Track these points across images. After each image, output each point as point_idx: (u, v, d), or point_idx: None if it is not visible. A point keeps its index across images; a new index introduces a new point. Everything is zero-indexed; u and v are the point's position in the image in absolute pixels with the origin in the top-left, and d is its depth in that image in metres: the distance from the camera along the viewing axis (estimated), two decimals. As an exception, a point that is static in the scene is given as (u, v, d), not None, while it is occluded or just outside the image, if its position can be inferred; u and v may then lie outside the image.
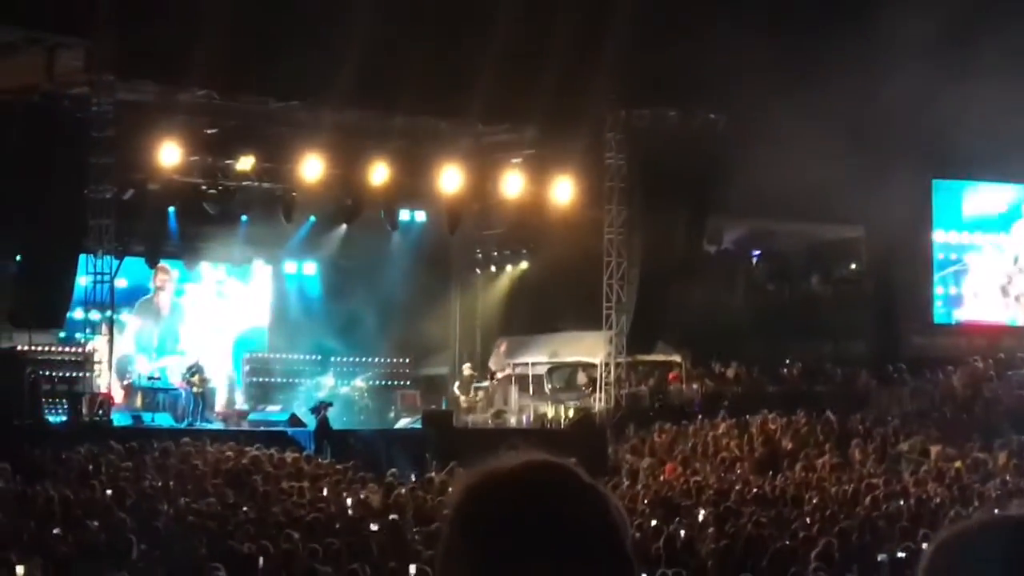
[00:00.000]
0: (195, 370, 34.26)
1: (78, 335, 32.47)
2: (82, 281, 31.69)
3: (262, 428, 32.86)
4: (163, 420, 32.88)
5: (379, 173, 35.36)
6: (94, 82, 30.93)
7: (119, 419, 31.45)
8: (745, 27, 32.74)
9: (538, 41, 32.16)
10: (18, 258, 32.17)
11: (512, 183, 36.70)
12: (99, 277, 31.47)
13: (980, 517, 2.42)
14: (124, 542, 17.04)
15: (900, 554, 17.92)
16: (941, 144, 37.33)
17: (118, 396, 33.29)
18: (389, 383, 39.62)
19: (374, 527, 20.03)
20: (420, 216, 38.93)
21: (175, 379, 35.12)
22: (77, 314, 32.34)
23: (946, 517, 21.29)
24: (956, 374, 36.37)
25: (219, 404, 36.18)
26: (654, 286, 36.22)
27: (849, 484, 26.45)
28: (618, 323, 36.15)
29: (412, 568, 15.78)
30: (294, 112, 34.22)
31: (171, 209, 35.27)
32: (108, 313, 31.84)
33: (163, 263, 37.27)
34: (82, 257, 31.58)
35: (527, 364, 37.83)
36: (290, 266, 39.94)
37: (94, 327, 31.65)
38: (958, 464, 28.54)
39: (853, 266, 43.09)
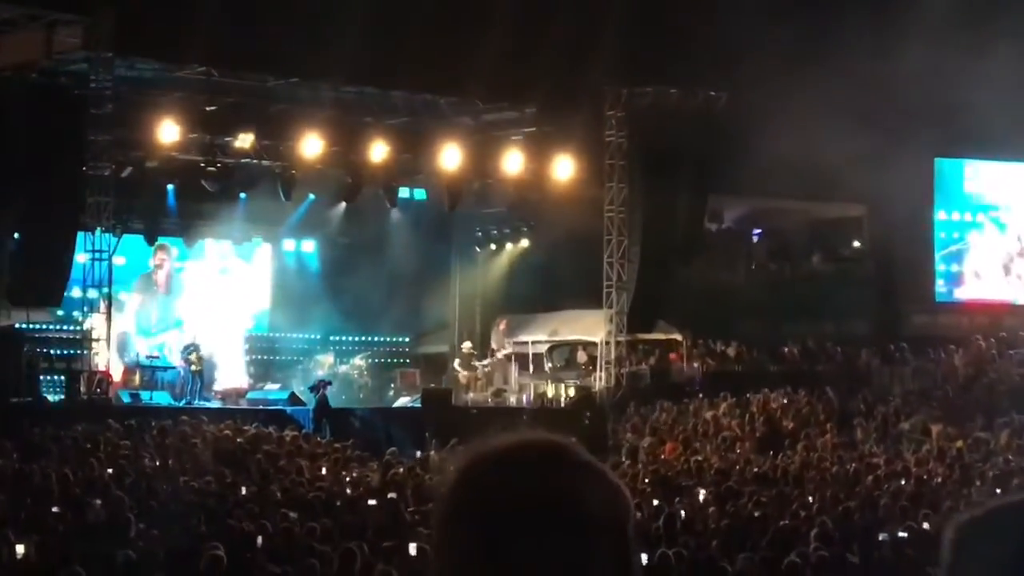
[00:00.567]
0: (192, 348, 34.21)
1: (76, 313, 32.39)
2: (80, 259, 31.58)
3: (261, 407, 32.85)
4: (161, 398, 32.88)
5: (379, 151, 35.25)
6: (92, 59, 30.82)
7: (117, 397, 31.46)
8: (746, 4, 32.61)
9: (538, 18, 32.03)
10: (16, 236, 32.06)
11: (512, 161, 36.59)
12: (97, 255, 31.39)
13: (1000, 499, 2.34)
14: (123, 520, 16.98)
15: (901, 533, 17.86)
16: (944, 122, 37.20)
17: (117, 374, 33.25)
18: (389, 361, 39.59)
19: (372, 504, 20.01)
20: (420, 194, 38.82)
21: (174, 358, 35.09)
22: (75, 292, 32.25)
23: (948, 496, 21.23)
24: (958, 353, 36.29)
25: (219, 383, 36.14)
26: (655, 264, 36.12)
27: (850, 463, 26.42)
28: (618, 301, 36.08)
29: (412, 547, 15.73)
30: (293, 89, 34.10)
31: (170, 187, 35.21)
32: (106, 291, 31.75)
33: (162, 241, 37.19)
34: (80, 235, 31.48)
35: (527, 343, 37.79)
36: (289, 244, 39.86)
37: (92, 305, 31.56)
38: (959, 443, 28.49)
39: (856, 244, 43.00)
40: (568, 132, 36.01)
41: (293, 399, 33.55)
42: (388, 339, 39.91)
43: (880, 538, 17.74)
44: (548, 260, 37.92)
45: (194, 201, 36.02)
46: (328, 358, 37.64)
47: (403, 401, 36.03)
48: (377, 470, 23.91)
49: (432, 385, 36.36)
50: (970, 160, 41.14)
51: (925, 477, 24.32)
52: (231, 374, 37.21)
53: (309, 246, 40.05)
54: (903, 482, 23.64)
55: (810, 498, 21.89)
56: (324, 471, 23.97)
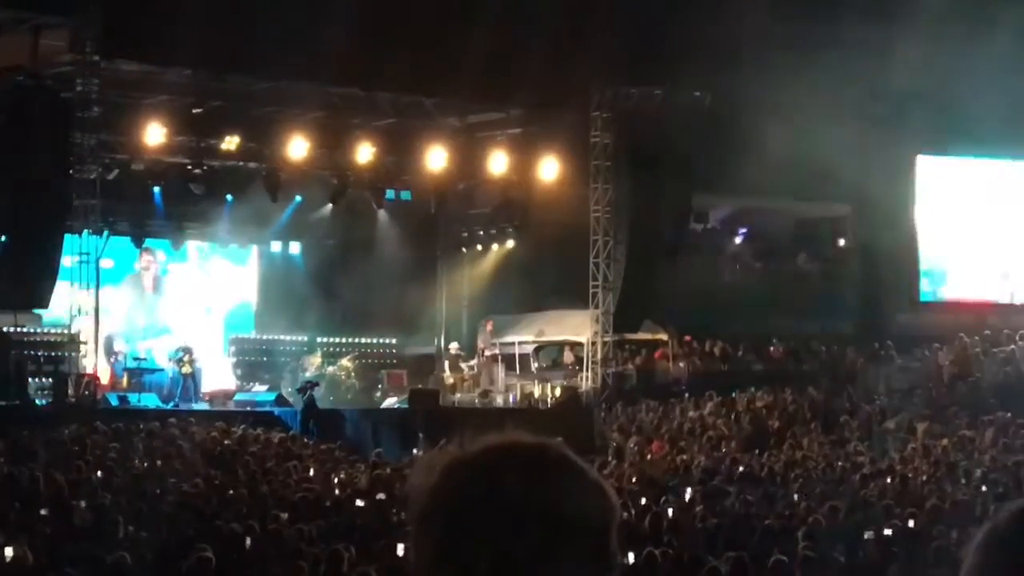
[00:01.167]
0: (185, 351, 34.22)
1: (63, 316, 32.34)
2: (67, 261, 31.53)
3: (248, 408, 32.84)
4: (149, 401, 32.83)
5: (365, 152, 35.30)
6: (78, 62, 30.79)
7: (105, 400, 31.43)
8: (730, 5, 32.70)
9: (524, 19, 32.09)
10: (2, 238, 31.98)
11: (498, 162, 36.64)
12: (84, 257, 31.36)
13: None
14: (111, 523, 17.00)
15: (887, 531, 17.95)
16: (926, 120, 37.34)
17: (104, 377, 33.22)
18: (376, 362, 39.59)
19: (360, 505, 20.05)
20: (406, 195, 38.83)
21: (162, 360, 35.07)
22: (63, 294, 32.19)
23: (932, 495, 21.33)
24: (943, 352, 36.41)
25: (206, 385, 36.11)
26: (640, 265, 36.15)
27: (836, 462, 26.51)
28: (604, 302, 36.12)
29: (399, 547, 15.77)
30: (279, 91, 34.11)
31: (156, 189, 35.18)
32: (94, 293, 31.71)
33: (149, 243, 37.16)
34: (67, 237, 31.44)
35: (514, 343, 37.81)
36: (276, 245, 39.84)
37: (80, 308, 31.53)
38: (944, 442, 28.59)
39: (841, 242, 43.11)
40: (554, 133, 36.09)
41: (281, 400, 33.55)
42: (375, 340, 39.91)
43: (865, 536, 17.82)
44: (534, 261, 37.94)
45: (181, 203, 35.99)
46: (315, 359, 37.62)
47: (390, 402, 36.02)
48: (365, 471, 23.95)
49: (419, 386, 36.36)
50: (954, 157, 41.24)
51: (910, 475, 24.38)
52: (218, 376, 37.19)
53: (296, 248, 40.02)
54: (888, 480, 23.73)
55: (796, 497, 21.99)
56: (312, 472, 24.00)
